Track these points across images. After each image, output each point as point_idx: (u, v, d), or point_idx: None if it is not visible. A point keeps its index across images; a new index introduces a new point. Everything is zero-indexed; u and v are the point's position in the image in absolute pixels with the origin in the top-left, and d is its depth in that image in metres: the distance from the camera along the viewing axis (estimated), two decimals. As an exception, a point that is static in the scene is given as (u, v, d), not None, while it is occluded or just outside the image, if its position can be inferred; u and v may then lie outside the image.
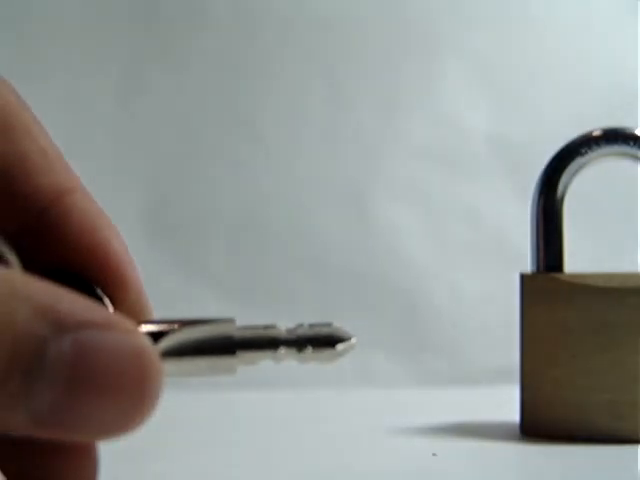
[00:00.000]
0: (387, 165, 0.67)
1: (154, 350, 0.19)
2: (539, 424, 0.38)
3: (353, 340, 0.23)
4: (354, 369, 0.60)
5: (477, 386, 0.58)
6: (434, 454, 0.34)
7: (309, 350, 0.22)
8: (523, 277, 0.39)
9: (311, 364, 0.22)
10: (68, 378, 0.18)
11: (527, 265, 0.40)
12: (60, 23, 0.65)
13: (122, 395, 0.18)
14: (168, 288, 0.61)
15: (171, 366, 0.22)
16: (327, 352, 0.22)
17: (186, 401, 0.50)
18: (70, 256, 0.23)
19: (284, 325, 0.22)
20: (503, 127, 0.68)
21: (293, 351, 0.22)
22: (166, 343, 0.22)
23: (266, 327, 0.22)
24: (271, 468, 0.32)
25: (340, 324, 0.23)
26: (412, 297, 0.65)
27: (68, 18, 0.65)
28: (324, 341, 0.22)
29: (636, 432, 0.36)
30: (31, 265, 0.23)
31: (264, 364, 0.22)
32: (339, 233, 0.66)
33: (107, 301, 0.23)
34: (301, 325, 0.22)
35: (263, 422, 0.44)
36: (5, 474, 0.23)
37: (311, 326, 0.22)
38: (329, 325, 0.23)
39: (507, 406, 0.41)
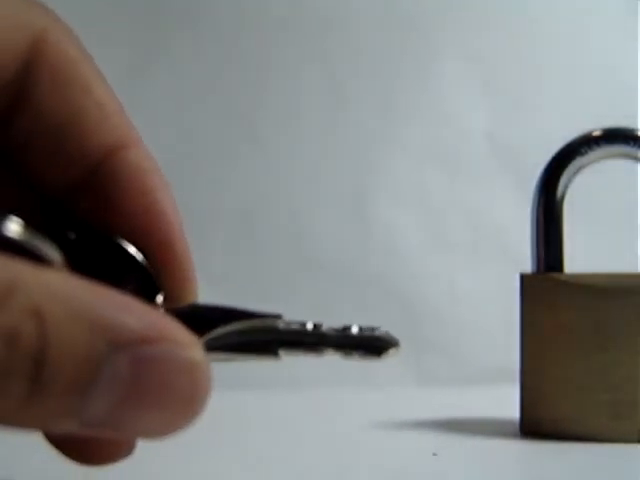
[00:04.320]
0: (387, 165, 0.67)
1: (207, 363, 0.19)
2: (539, 424, 0.38)
3: (399, 346, 0.23)
4: (354, 369, 0.60)
5: (477, 386, 0.58)
6: (434, 454, 0.34)
7: (355, 355, 0.22)
8: (523, 277, 0.39)
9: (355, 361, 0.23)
10: (122, 393, 0.18)
11: (527, 265, 0.40)
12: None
13: (172, 408, 0.18)
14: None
15: (213, 357, 0.22)
16: (372, 356, 0.23)
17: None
18: (119, 217, 0.23)
19: (331, 327, 0.23)
20: (503, 127, 0.68)
21: (338, 354, 0.22)
22: (211, 336, 0.22)
23: (314, 326, 0.22)
24: (270, 468, 0.32)
25: (386, 329, 0.23)
26: (412, 297, 0.65)
27: (67, 18, 0.65)
28: (371, 348, 0.22)
29: (636, 432, 0.36)
30: (80, 227, 0.23)
31: None
32: (339, 233, 0.66)
33: (156, 279, 0.23)
34: (348, 327, 0.22)
35: (262, 422, 0.44)
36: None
37: (360, 330, 0.23)
38: (377, 329, 0.23)
39: (507, 406, 0.41)
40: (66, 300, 0.17)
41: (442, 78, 0.68)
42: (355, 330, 0.23)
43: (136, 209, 0.23)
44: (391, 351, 0.23)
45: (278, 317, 0.22)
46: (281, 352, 0.22)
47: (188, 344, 0.19)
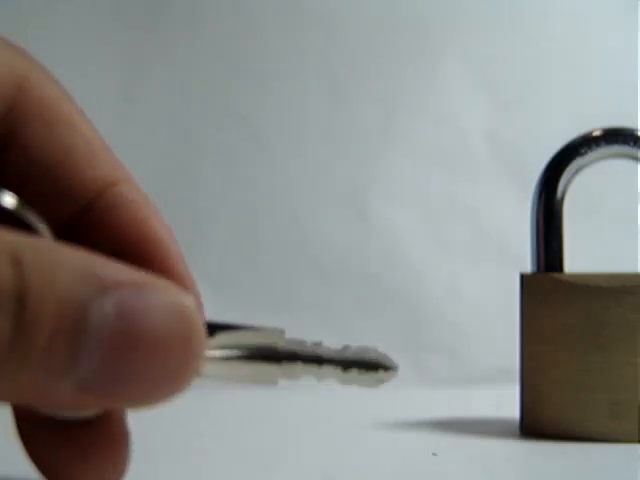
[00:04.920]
0: (387, 165, 0.67)
1: (194, 306, 0.19)
2: (539, 424, 0.38)
3: (397, 369, 0.23)
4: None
5: (477, 386, 0.58)
6: (434, 454, 0.34)
7: (354, 372, 0.23)
8: (523, 277, 0.39)
9: (353, 388, 0.23)
10: (112, 339, 0.17)
11: (527, 265, 0.40)
12: (60, 24, 0.65)
13: (168, 352, 0.18)
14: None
15: (215, 368, 0.22)
16: (370, 375, 0.23)
17: (185, 401, 0.50)
18: (117, 249, 0.23)
19: (331, 344, 0.23)
20: (503, 127, 0.68)
21: (338, 370, 0.23)
22: (213, 344, 0.22)
23: (314, 344, 0.23)
24: (270, 467, 0.32)
25: (382, 350, 0.23)
26: (412, 297, 0.65)
27: (68, 18, 0.65)
28: (369, 365, 0.23)
29: (635, 432, 0.36)
30: None
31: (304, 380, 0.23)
32: (339, 233, 0.66)
33: None
34: (348, 347, 0.23)
35: (262, 421, 0.44)
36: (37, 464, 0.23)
37: (358, 349, 0.23)
38: (375, 350, 0.23)
39: (507, 406, 0.41)
40: (49, 251, 0.17)
41: (442, 78, 0.68)
42: (354, 348, 0.23)
43: (134, 239, 0.23)
44: (388, 373, 0.23)
45: (280, 331, 0.23)
46: (283, 362, 0.22)
47: (177, 290, 0.19)
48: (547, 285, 0.38)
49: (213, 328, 0.22)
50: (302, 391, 0.55)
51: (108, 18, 0.65)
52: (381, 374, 0.23)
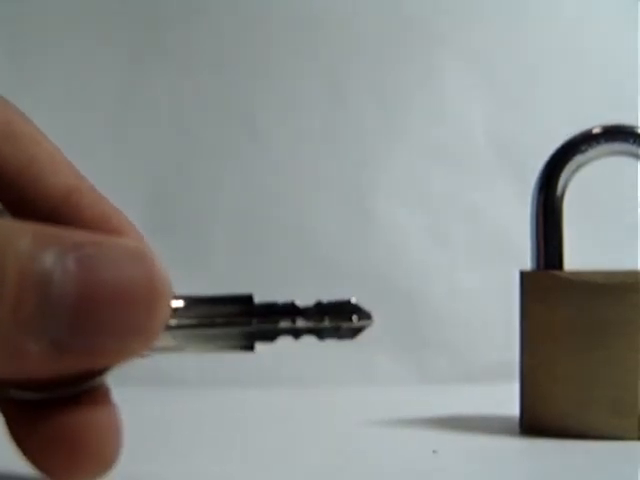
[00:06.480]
0: (387, 164, 0.67)
1: (154, 254, 0.19)
2: (539, 421, 0.38)
3: (372, 317, 0.23)
4: (355, 367, 0.60)
5: (477, 383, 0.58)
6: (434, 451, 0.34)
7: (329, 323, 0.23)
8: (523, 275, 0.39)
9: (330, 342, 0.23)
10: (79, 294, 0.18)
11: (527, 263, 0.40)
12: (59, 23, 0.65)
13: (134, 301, 0.19)
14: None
15: (189, 338, 0.22)
16: (346, 325, 0.23)
17: (184, 400, 0.50)
18: None
19: (303, 302, 0.23)
20: (503, 125, 0.68)
21: (313, 323, 0.23)
22: (185, 314, 0.22)
23: (285, 302, 0.23)
24: (270, 466, 0.32)
25: (356, 301, 0.23)
26: (412, 295, 0.65)
27: (67, 18, 0.65)
28: (344, 316, 0.23)
29: (636, 429, 0.36)
30: None
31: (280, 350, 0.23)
32: (339, 233, 0.66)
33: None
34: (321, 301, 0.23)
35: (262, 420, 0.44)
36: (20, 442, 0.23)
37: (331, 301, 0.23)
38: (348, 301, 0.23)
39: (507, 403, 0.41)
40: (8, 223, 0.19)
41: (442, 76, 0.68)
42: (326, 302, 0.23)
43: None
44: (363, 320, 0.23)
45: (249, 295, 0.23)
46: (255, 321, 0.22)
47: (135, 242, 0.20)
48: (547, 282, 0.38)
49: (182, 299, 0.22)
50: (301, 389, 0.55)
51: (107, 16, 0.65)
52: (356, 322, 0.23)
